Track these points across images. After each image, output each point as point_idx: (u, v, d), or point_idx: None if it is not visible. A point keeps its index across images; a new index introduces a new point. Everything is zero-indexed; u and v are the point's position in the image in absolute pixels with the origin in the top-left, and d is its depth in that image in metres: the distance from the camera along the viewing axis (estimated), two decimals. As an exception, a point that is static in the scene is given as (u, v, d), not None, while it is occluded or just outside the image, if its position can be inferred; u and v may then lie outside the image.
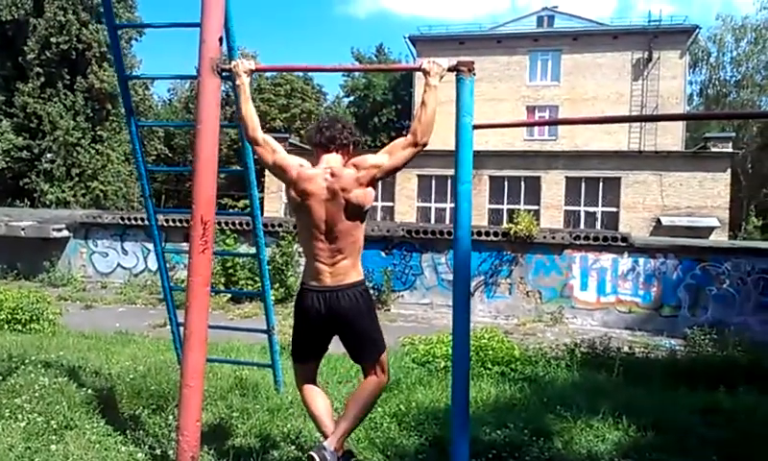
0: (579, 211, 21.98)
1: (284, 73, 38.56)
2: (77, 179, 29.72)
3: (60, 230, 17.91)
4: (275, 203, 23.63)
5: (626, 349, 8.97)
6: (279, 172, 3.27)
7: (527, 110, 28.18)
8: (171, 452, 3.67)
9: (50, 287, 16.69)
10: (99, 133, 30.19)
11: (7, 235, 17.80)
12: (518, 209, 19.48)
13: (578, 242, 14.06)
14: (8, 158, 28.27)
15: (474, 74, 3.12)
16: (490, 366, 6.31)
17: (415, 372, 6.12)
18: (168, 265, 16.71)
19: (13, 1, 27.48)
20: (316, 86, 41.20)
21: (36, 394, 4.80)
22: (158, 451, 3.74)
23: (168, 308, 5.76)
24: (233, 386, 5.35)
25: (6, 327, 8.22)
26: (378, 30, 71.11)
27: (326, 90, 54.74)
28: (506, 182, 22.60)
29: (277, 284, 14.51)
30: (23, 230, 17.72)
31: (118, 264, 17.63)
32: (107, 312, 14.16)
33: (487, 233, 14.34)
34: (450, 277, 14.43)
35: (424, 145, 3.15)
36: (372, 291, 14.52)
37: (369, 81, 40.53)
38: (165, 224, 16.17)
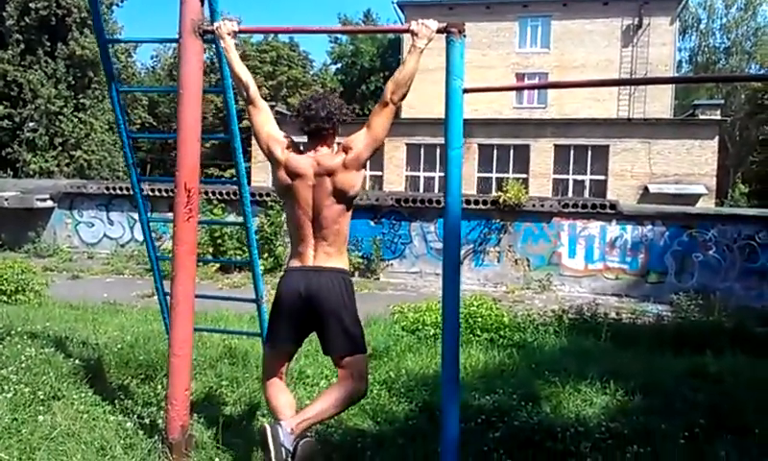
0: (567, 179, 22.00)
1: (270, 39, 37.97)
2: (60, 148, 29.26)
3: (44, 200, 17.69)
4: (262, 172, 23.41)
5: (613, 315, 9.05)
6: (267, 144, 3.15)
7: (516, 78, 27.91)
8: (160, 422, 3.65)
9: (36, 258, 16.54)
10: (81, 101, 29.64)
11: (-10, 206, 17.55)
12: (507, 178, 19.47)
13: (566, 210, 14.10)
14: (-11, 128, 27.75)
15: (465, 36, 3.05)
16: (479, 333, 6.34)
17: (404, 339, 6.14)
18: (155, 235, 16.61)
19: (-10, -35, 26.72)
20: (302, 53, 40.60)
21: (23, 365, 4.75)
22: (147, 421, 3.72)
23: (155, 278, 5.67)
24: (222, 355, 5.35)
25: (-8, 298, 8.15)
26: (366, -5, 69.93)
27: (313, 57, 54.06)
28: (495, 151, 22.54)
29: (266, 254, 14.47)
30: (6, 200, 17.47)
31: (104, 234, 17.47)
32: (94, 283, 14.06)
33: (476, 202, 14.32)
34: (439, 245, 14.44)
35: (396, 103, 3.05)
36: (361, 260, 14.62)
37: (356, 48, 39.97)
38: (151, 193, 15.98)
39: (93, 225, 17.73)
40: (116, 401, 4.12)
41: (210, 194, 15.72)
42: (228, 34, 3.22)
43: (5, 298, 8.22)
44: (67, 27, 28.56)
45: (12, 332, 5.68)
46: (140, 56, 66.96)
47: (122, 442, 3.49)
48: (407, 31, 3.10)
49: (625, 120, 23.59)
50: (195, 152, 3.33)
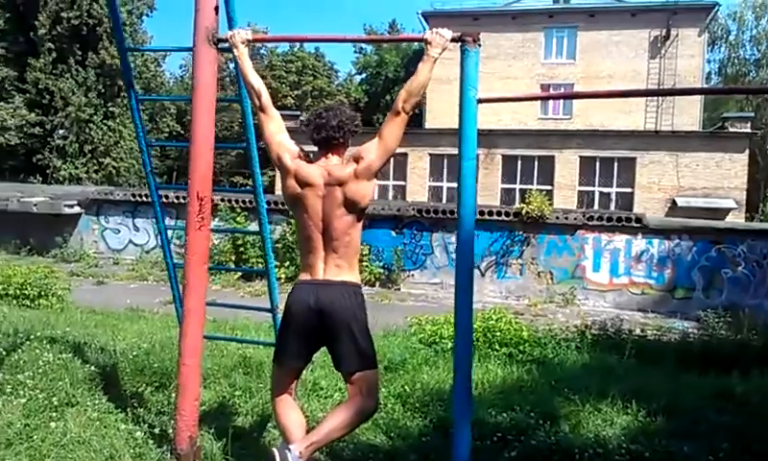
0: (593, 192, 21.69)
1: (296, 50, 38.31)
2: (89, 155, 29.80)
3: (71, 206, 17.99)
4: (286, 181, 23.54)
5: (638, 331, 8.84)
6: (278, 153, 3.11)
7: (541, 89, 27.72)
8: (170, 431, 3.62)
9: (62, 263, 16.80)
10: (111, 109, 30.18)
11: (19, 211, 17.91)
12: (531, 189, 19.25)
13: (591, 223, 13.88)
14: (21, 134, 28.36)
15: (480, 45, 3.00)
16: (497, 347, 6.22)
17: (421, 352, 6.05)
18: (179, 242, 16.77)
19: (24, -24, 27.42)
20: (327, 64, 40.87)
21: (40, 370, 4.78)
22: (157, 430, 3.69)
23: (171, 285, 5.68)
24: (237, 364, 5.31)
25: (14, 302, 8.24)
26: (392, 7, 70.19)
27: (338, 68, 54.38)
28: (519, 162, 22.34)
29: (288, 262, 14.50)
30: (35, 205, 17.81)
31: (130, 240, 17.69)
32: (118, 288, 14.22)
33: (498, 213, 14.18)
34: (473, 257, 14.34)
35: (407, 113, 2.98)
36: (381, 270, 14.56)
37: (381, 58, 40.10)
38: (176, 201, 16.16)
39: (119, 231, 17.97)
40: (129, 409, 4.10)
41: (234, 202, 15.82)
42: (242, 42, 3.20)
43: (28, 302, 8.32)
44: (98, 36, 29.15)
45: (32, 337, 5.73)
46: (169, 65, 68.04)
47: (131, 451, 3.47)
48: (422, 39, 3.06)
49: (653, 132, 23.25)
50: (208, 160, 3.31)
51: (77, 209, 18.13)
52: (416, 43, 39.48)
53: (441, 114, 26.69)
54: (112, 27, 4.54)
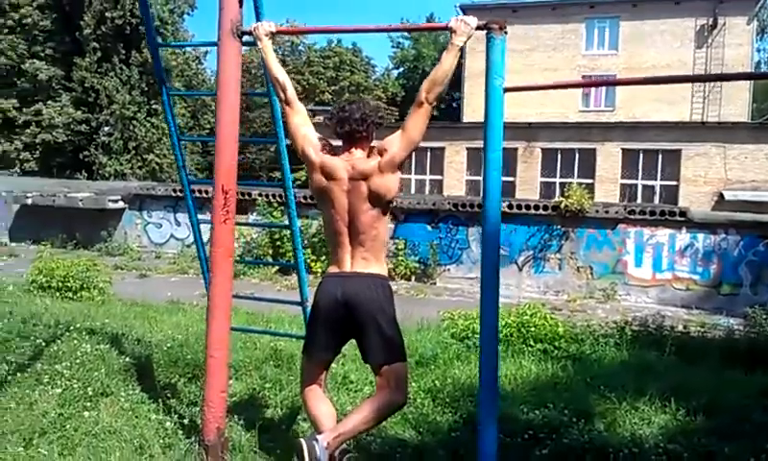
0: (636, 185, 21.12)
1: (333, 45, 38.43)
2: (133, 152, 30.52)
3: (115, 201, 18.46)
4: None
5: (680, 327, 8.56)
6: (303, 147, 3.11)
7: (583, 80, 27.20)
8: (200, 422, 3.66)
9: (107, 256, 17.26)
10: (154, 106, 30.82)
11: (66, 206, 18.47)
12: (572, 183, 18.88)
13: (632, 217, 13.52)
14: (68, 132, 29.23)
15: (506, 33, 2.90)
16: (532, 343, 6.10)
17: (453, 347, 5.98)
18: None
19: (70, -23, 28.20)
20: (365, 59, 40.89)
21: (77, 361, 4.90)
22: (186, 421, 3.73)
23: (204, 278, 5.76)
24: (268, 357, 5.35)
25: (57, 294, 8.48)
26: (431, 0, 69.75)
27: (375, 62, 54.34)
28: (559, 155, 21.92)
29: (324, 256, 14.54)
30: (81, 201, 18.34)
31: (171, 235, 18.05)
32: (160, 281, 14.53)
33: (536, 207, 13.95)
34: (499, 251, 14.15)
35: (431, 103, 2.95)
36: (417, 265, 14.48)
37: (418, 52, 39.91)
38: (205, 195, 16.43)
39: (161, 225, 18.35)
40: (160, 400, 4.16)
41: (271, 197, 15.95)
42: (266, 35, 3.20)
43: (70, 294, 8.56)
44: (141, 35, 29.78)
45: (72, 328, 5.87)
46: (210, 62, 69.02)
47: (161, 441, 3.52)
48: (446, 28, 3.00)
49: (698, 123, 22.52)
50: (232, 154, 3.31)
51: (120, 204, 18.59)
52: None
53: (480, 107, 26.34)
54: (144, 26, 4.61)
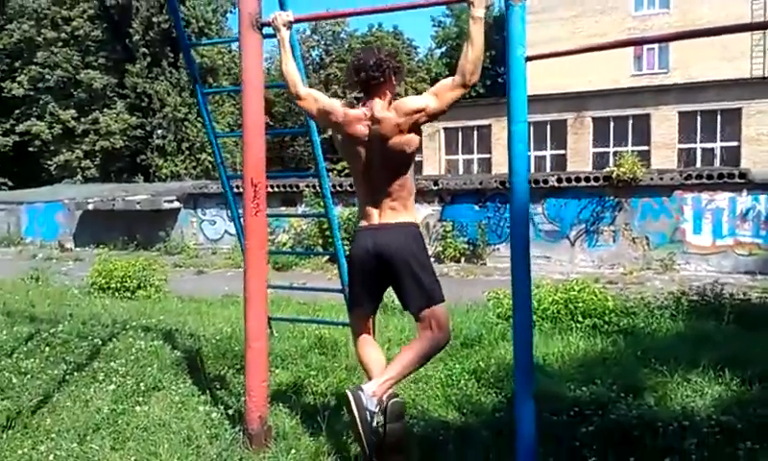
0: (695, 149, 20.27)
1: (374, 30, 38.30)
2: (187, 152, 31.38)
3: (171, 201, 19.05)
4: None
5: (741, 295, 8.19)
6: (325, 117, 3.17)
7: (634, 44, 26.18)
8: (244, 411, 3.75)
9: (166, 256, 17.86)
10: (204, 106, 31.55)
11: (125, 209, 19.20)
12: (627, 151, 18.27)
13: (689, 182, 12.97)
14: (124, 137, 30.30)
15: (525, 0, 2.80)
16: (580, 319, 5.96)
17: (498, 327, 5.91)
18: (268, 229, 17.32)
19: (115, -16, 29.07)
20: (407, 41, 40.58)
21: (132, 357, 5.10)
22: (231, 411, 3.82)
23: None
24: (313, 345, 5.42)
25: (116, 294, 8.84)
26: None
27: (417, 44, 53.88)
28: (611, 123, 21.24)
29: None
30: (138, 203, 19.01)
31: (225, 231, 18.49)
32: (216, 277, 14.92)
33: (586, 179, 13.58)
34: (548, 227, 13.89)
35: (474, 85, 2.95)
36: (466, 246, 14.32)
37: (460, 29, 39.24)
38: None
39: (215, 222, 18.82)
40: (208, 392, 4.29)
41: (318, 187, 16.05)
42: (284, 24, 3.22)
43: (128, 294, 8.90)
44: (188, 38, 30.50)
45: (128, 326, 6.11)
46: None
47: (208, 432, 3.61)
48: (464, 0, 2.93)
49: (759, 79, 21.35)
50: (260, 147, 3.35)
51: (176, 204, 19.17)
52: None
53: (527, 79, 25.87)
54: (174, 26, 4.67)
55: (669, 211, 13.23)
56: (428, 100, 2.98)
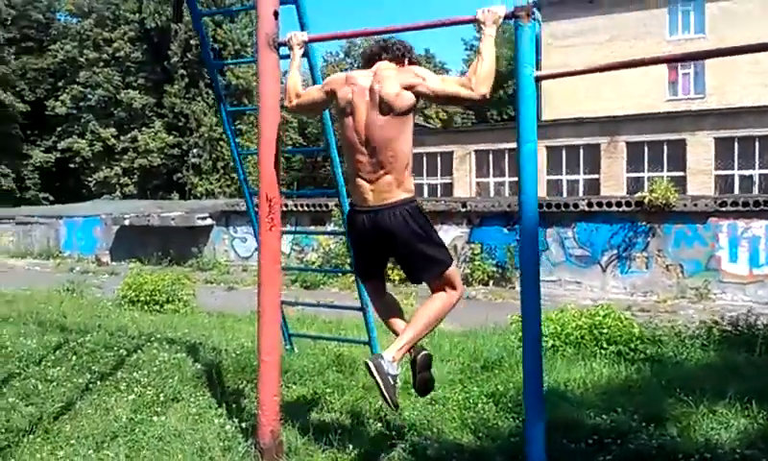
0: (732, 176, 19.80)
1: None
2: (221, 171, 32.00)
3: (204, 218, 19.39)
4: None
5: (777, 326, 7.91)
6: (331, 94, 3.11)
7: (668, 69, 25.86)
8: (257, 425, 3.76)
9: (198, 271, 18.14)
10: (239, 126, 32.17)
11: (160, 226, 19.61)
12: (662, 177, 17.95)
13: (724, 209, 12.66)
14: (162, 155, 31.08)
15: (534, 19, 2.81)
16: (605, 345, 5.84)
17: (519, 351, 5.83)
18: (297, 248, 17.41)
19: (156, 9, 29.98)
20: (438, 64, 40.85)
21: (155, 368, 5.17)
22: (245, 425, 3.85)
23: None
24: (332, 362, 5.42)
25: (146, 307, 9.00)
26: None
27: (449, 67, 54.07)
28: (646, 148, 20.92)
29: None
30: (173, 219, 19.41)
31: (256, 248, 18.65)
32: (246, 293, 15.05)
33: (618, 204, 13.37)
34: (579, 251, 13.70)
35: (482, 97, 2.87)
36: (495, 269, 14.19)
37: (494, 53, 39.41)
38: (295, 208, 16.94)
39: (246, 240, 19.06)
40: (225, 405, 4.32)
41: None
42: (298, 44, 3.31)
43: (157, 308, 9.06)
44: (223, 59, 31.25)
45: (153, 339, 6.21)
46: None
47: (221, 444, 3.64)
48: (474, 20, 2.95)
49: (800, 105, 20.82)
50: (275, 164, 3.40)
51: (209, 221, 19.50)
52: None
53: (561, 103, 25.77)
54: (200, 46, 4.81)
55: (703, 239, 12.92)
56: (433, 76, 2.97)
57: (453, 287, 3.13)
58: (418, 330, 3.08)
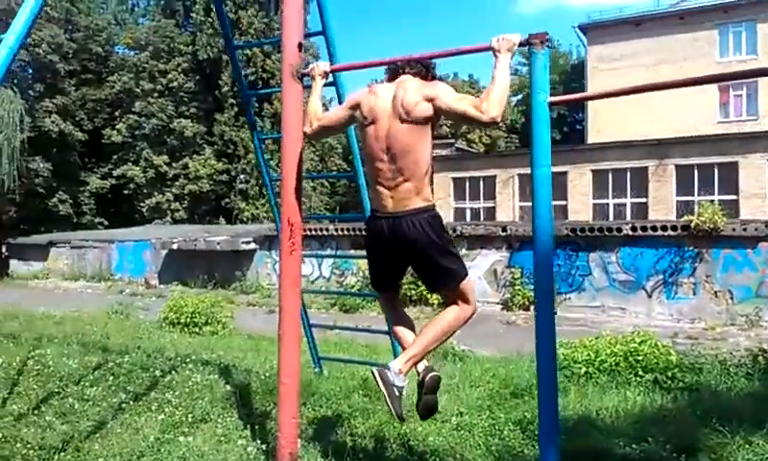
0: (789, 199, 19.03)
1: (450, 79, 38.78)
2: (268, 196, 32.56)
3: (248, 242, 19.78)
4: (442, 209, 23.71)
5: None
6: (356, 107, 3.17)
7: (719, 90, 25.23)
8: (279, 447, 3.80)
9: (242, 294, 18.46)
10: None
11: (206, 249, 20.09)
12: (712, 201, 17.40)
13: (776, 233, 12.18)
14: (211, 182, 31.89)
15: (549, 47, 2.83)
16: (641, 373, 5.67)
17: (550, 377, 5.73)
18: (338, 272, 17.51)
19: (208, 41, 31.01)
20: (482, 89, 40.77)
21: (187, 389, 5.31)
22: (266, 446, 3.90)
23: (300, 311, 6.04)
24: (359, 386, 5.45)
25: (185, 329, 9.23)
26: (549, 24, 68.28)
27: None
28: (695, 171, 20.35)
29: (440, 288, 14.50)
30: (218, 244, 19.86)
31: (297, 272, 18.92)
32: (286, 317, 15.21)
33: (663, 228, 13.01)
34: (623, 277, 13.38)
35: (493, 121, 2.88)
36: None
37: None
38: (336, 232, 17.13)
39: (288, 264, 19.32)
40: (249, 426, 4.39)
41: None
42: (320, 74, 3.40)
43: (197, 329, 9.27)
44: (271, 87, 32.04)
45: (188, 361, 6.36)
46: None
47: (242, 465, 3.70)
48: (489, 48, 2.98)
49: None
50: (296, 190, 3.49)
51: (252, 246, 19.87)
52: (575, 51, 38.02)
53: (607, 126, 25.42)
54: (234, 77, 4.91)
55: (754, 264, 12.43)
56: (450, 93, 3.01)
57: (467, 301, 3.13)
58: (426, 343, 3.09)
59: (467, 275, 3.16)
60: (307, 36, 4.35)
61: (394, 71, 3.19)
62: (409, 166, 2.99)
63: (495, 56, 2.93)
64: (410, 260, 3.11)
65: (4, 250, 26.70)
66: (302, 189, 3.55)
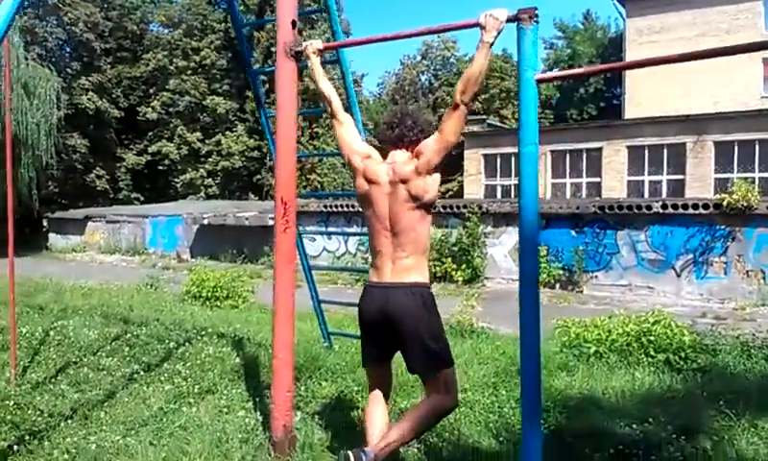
0: (832, 176, 18.32)
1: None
2: (298, 172, 32.69)
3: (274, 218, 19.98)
4: (473, 185, 23.52)
5: None
6: (348, 155, 3.27)
7: (764, 63, 24.22)
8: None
9: (270, 269, 18.64)
10: (315, 130, 32.91)
11: (235, 224, 20.40)
12: (753, 179, 16.86)
13: (813, 211, 11.74)
14: (243, 158, 32.24)
15: (537, 22, 2.76)
16: (653, 353, 5.58)
17: (557, 357, 5.69)
18: (363, 248, 17.53)
19: (240, 18, 31.16)
20: (515, 64, 39.98)
21: (198, 361, 5.44)
22: (263, 419, 3.98)
23: (309, 287, 6.14)
24: (366, 361, 5.49)
25: (207, 303, 9.42)
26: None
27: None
28: (735, 148, 19.70)
29: (464, 265, 14.50)
30: (247, 219, 20.15)
31: (324, 248, 19.08)
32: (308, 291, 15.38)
33: (694, 206, 12.66)
34: (652, 255, 13.11)
35: (467, 105, 2.89)
36: (561, 271, 13.77)
37: (573, 51, 38.26)
38: (352, 209, 17.22)
39: (315, 239, 19.45)
40: (252, 398, 4.49)
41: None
42: (314, 52, 3.40)
43: (218, 303, 9.46)
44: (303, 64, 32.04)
45: (204, 333, 6.51)
46: (367, 84, 72.02)
47: (239, 436, 3.79)
48: (476, 25, 2.93)
49: None
50: (290, 168, 3.52)
51: (280, 221, 20.08)
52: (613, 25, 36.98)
53: (646, 101, 24.73)
54: (241, 55, 4.93)
55: (790, 243, 12.04)
56: (434, 138, 3.01)
57: (447, 392, 3.03)
58: (403, 433, 3.00)
59: (452, 364, 3.10)
60: (303, 14, 4.31)
61: (393, 143, 3.16)
62: (410, 243, 3.02)
63: (482, 32, 2.89)
64: (398, 337, 3.02)
65: (44, 223, 27.53)
66: (296, 168, 3.56)
